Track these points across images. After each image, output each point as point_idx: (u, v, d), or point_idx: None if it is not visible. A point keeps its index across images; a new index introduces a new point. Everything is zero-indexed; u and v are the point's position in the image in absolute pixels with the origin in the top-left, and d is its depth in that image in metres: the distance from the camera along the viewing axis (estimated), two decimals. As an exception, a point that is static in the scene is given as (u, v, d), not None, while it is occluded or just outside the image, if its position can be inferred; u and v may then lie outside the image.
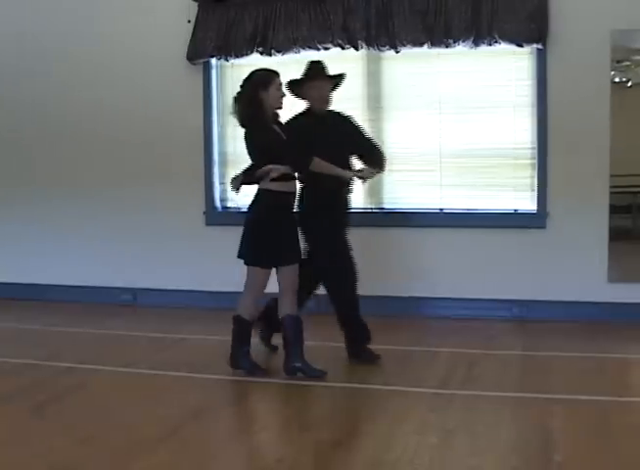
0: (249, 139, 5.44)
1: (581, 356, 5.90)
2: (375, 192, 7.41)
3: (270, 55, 7.31)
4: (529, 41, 6.81)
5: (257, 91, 5.34)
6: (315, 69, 5.74)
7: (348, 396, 5.21)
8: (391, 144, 7.28)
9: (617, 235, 7.18)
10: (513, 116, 7.11)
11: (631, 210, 7.65)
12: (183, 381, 5.45)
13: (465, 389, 5.17)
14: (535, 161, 7.00)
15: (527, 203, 7.08)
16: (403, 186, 7.40)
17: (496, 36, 6.80)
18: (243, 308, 5.52)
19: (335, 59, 6.71)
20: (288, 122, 5.65)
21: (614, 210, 7.10)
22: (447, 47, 6.93)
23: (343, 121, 5.92)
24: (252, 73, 5.47)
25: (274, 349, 5.97)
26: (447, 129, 7.25)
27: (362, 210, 7.33)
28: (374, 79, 7.41)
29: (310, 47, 7.20)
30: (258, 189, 5.43)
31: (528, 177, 7.05)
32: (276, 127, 5.49)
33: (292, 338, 5.40)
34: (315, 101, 5.74)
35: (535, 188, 7.02)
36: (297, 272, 5.47)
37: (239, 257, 5.45)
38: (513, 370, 5.61)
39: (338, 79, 5.80)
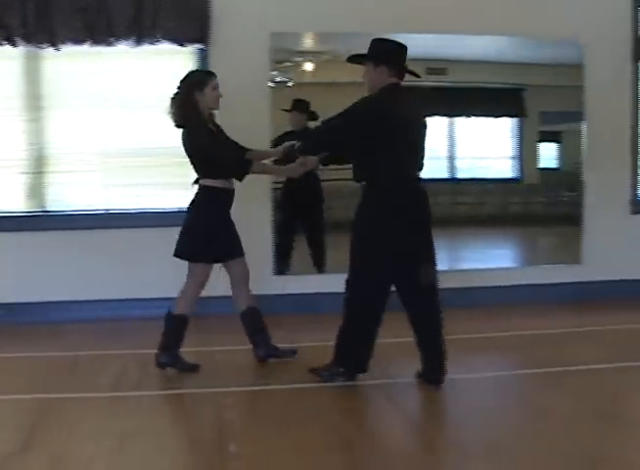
0: (186, 140, 5.39)
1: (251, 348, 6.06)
2: (37, 194, 7.18)
3: None
4: (191, 41, 6.92)
5: (192, 92, 5.34)
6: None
7: (23, 407, 4.94)
8: (53, 144, 7.10)
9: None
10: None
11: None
12: None
13: (139, 390, 5.14)
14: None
15: (195, 201, 7.15)
16: (67, 187, 7.24)
17: (158, 35, 6.83)
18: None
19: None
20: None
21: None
22: (109, 45, 6.87)
23: None
24: (188, 75, 5.49)
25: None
26: (112, 129, 7.18)
27: (23, 213, 7.11)
28: (33, 78, 7.15)
29: (-38, 43, 6.82)
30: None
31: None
32: (212, 128, 5.42)
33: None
34: None
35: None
36: None
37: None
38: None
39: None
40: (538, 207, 8.49)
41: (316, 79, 7.42)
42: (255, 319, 5.65)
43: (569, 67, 7.92)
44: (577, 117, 7.86)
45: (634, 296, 7.74)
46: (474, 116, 8.18)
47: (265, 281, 7.13)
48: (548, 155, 8.68)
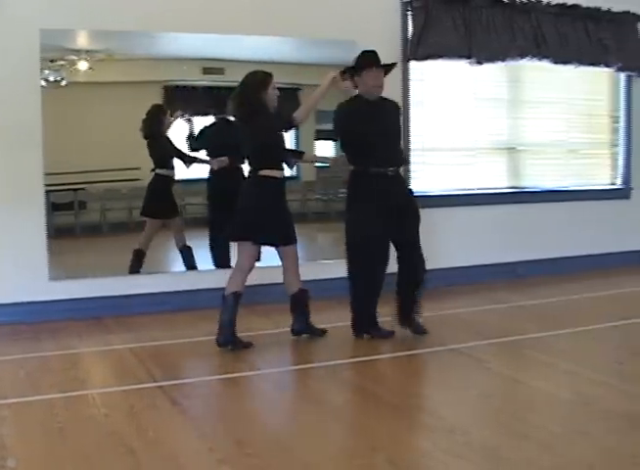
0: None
1: (26, 357, 5.88)
2: None
3: None
4: (-47, 37, 6.59)
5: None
6: (371, 57, 6.16)
7: None
8: None
9: (60, 232, 7.27)
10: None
11: (73, 206, 7.77)
12: None
13: None
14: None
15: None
16: None
17: None
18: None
19: None
20: (339, 106, 6.28)
21: (56, 207, 7.18)
22: None
23: (394, 108, 6.40)
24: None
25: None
26: None
27: None
28: None
29: None
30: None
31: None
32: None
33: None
34: (369, 88, 6.15)
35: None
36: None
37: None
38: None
39: (389, 67, 6.26)
40: (316, 203, 8.70)
41: (91, 79, 7.26)
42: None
43: (344, 66, 8.12)
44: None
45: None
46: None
47: (40, 287, 6.95)
48: (324, 153, 8.89)
